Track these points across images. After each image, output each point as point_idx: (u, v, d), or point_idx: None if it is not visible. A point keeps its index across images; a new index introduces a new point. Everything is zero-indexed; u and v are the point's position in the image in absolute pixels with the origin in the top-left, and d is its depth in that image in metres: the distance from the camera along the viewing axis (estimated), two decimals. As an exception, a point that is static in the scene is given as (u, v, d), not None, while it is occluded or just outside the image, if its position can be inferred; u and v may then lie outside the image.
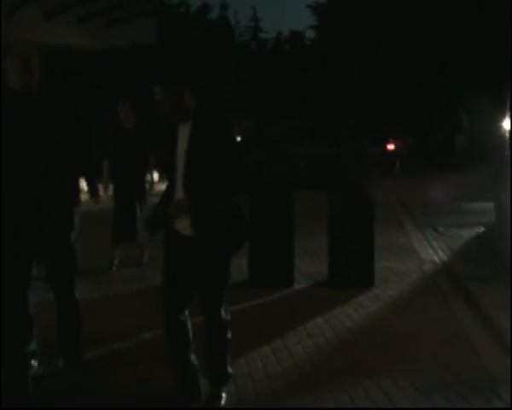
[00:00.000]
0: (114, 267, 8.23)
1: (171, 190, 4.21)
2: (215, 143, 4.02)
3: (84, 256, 5.23)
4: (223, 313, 4.25)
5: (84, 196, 4.85)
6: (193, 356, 4.25)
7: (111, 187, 8.24)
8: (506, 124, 14.95)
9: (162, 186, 4.40)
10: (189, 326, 4.26)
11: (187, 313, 4.26)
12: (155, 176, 9.97)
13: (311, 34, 46.75)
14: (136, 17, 16.06)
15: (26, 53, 4.36)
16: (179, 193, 4.10)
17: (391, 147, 20.80)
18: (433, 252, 9.22)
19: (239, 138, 27.60)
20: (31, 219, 4.23)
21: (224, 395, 4.30)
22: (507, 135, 12.27)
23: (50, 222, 4.35)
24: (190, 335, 4.26)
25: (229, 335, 4.34)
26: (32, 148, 4.19)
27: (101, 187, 6.69)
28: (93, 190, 5.09)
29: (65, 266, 4.62)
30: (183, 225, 4.10)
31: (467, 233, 10.68)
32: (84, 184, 4.98)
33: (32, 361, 4.60)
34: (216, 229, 4.08)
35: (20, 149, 4.17)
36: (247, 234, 4.33)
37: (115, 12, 15.45)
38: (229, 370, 4.39)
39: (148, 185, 8.37)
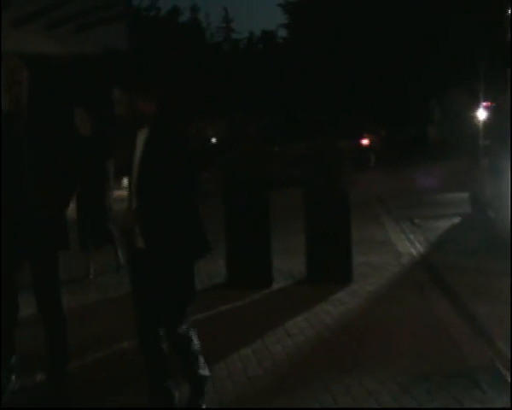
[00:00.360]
0: (91, 276, 8.15)
1: (130, 198, 4.04)
2: (169, 149, 3.87)
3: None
4: (183, 329, 4.00)
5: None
6: (169, 381, 4.12)
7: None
8: (480, 114, 15.13)
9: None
10: (164, 352, 4.08)
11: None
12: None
13: (283, 33, 46.94)
14: (106, 22, 15.98)
15: (11, 65, 4.25)
16: (134, 202, 3.95)
17: (365, 141, 20.89)
18: (411, 244, 9.26)
19: (214, 140, 27.66)
20: (20, 222, 4.18)
21: (200, 401, 4.20)
22: (480, 125, 12.40)
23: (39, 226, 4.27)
24: (166, 362, 4.10)
25: (193, 346, 4.11)
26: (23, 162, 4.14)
27: None
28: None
29: (51, 272, 4.47)
30: (136, 238, 3.94)
31: (443, 224, 10.73)
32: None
33: (12, 376, 4.55)
34: (168, 240, 3.87)
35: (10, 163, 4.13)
36: (204, 244, 4.07)
37: (85, 17, 15.36)
38: (204, 373, 4.20)
39: (110, 191, 8.29)
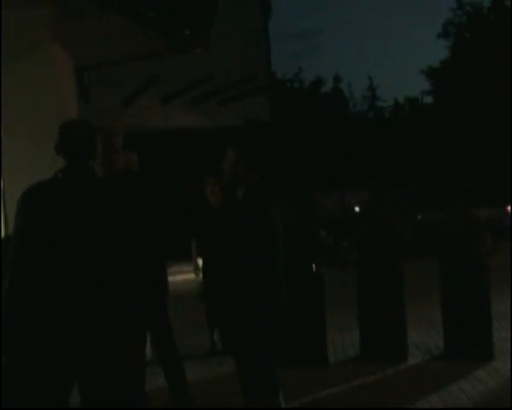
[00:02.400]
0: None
1: None
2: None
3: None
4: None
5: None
6: None
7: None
8: None
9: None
10: None
11: None
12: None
13: (428, 100, 46.31)
14: (249, 95, 16.46)
15: (110, 131, 4.33)
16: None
17: (513, 209, 19.92)
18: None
19: (357, 208, 27.49)
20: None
21: None
22: None
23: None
24: None
25: None
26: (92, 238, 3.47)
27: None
28: None
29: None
30: None
31: None
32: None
33: None
34: None
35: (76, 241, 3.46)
36: None
37: (228, 91, 15.91)
38: None
39: None
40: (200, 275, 7.52)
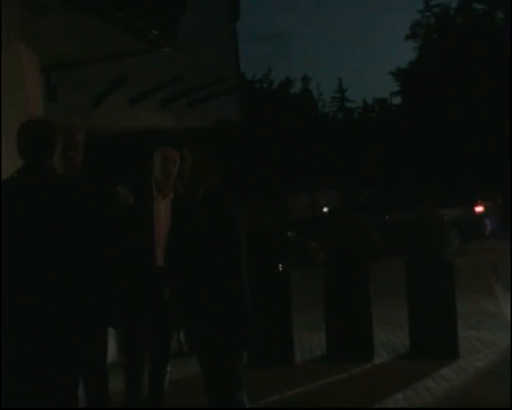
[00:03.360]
0: None
1: None
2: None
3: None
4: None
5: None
6: None
7: None
8: None
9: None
10: None
11: None
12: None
13: (396, 100, 46.73)
14: (218, 96, 16.45)
15: (70, 128, 4.24)
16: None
17: (479, 209, 20.17)
18: (526, 319, 8.72)
19: (325, 209, 27.65)
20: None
21: None
22: None
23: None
24: None
25: None
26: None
27: None
28: None
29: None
30: None
31: None
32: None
33: None
34: None
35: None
36: None
37: (198, 92, 15.87)
38: None
39: None
40: None
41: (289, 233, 8.06)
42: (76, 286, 3.44)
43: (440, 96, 32.88)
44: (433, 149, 32.95)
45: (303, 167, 35.83)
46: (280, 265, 7.16)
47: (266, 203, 8.61)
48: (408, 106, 38.66)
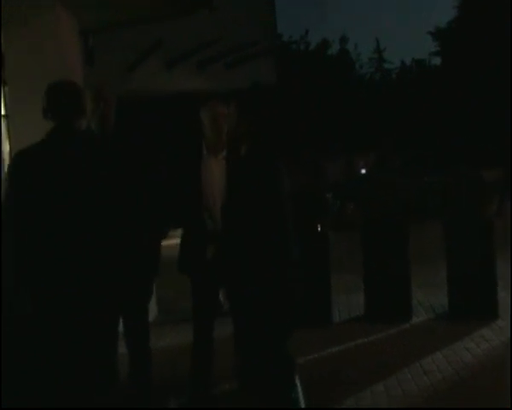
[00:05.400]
0: None
1: None
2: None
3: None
4: None
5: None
6: None
7: None
8: None
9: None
10: None
11: None
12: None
13: (436, 61, 45.93)
14: (254, 58, 16.38)
15: (97, 84, 4.24)
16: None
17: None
18: None
19: (363, 171, 27.48)
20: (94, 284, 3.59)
21: None
22: None
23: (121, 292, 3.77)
24: None
25: None
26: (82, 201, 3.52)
27: None
28: None
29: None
30: None
31: None
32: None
33: None
34: None
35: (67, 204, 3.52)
36: None
37: (233, 54, 15.83)
38: None
39: None
40: None
41: (327, 195, 8.02)
42: (122, 239, 3.53)
43: (480, 56, 32.19)
44: (474, 110, 32.36)
45: (340, 129, 35.57)
46: (318, 225, 7.17)
47: (303, 166, 8.59)
48: (447, 66, 37.94)
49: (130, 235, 3.63)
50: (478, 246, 7.00)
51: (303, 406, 4.09)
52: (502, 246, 7.36)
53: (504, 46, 30.76)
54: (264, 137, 4.10)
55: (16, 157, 3.58)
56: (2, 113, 6.99)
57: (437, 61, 44.09)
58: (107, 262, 3.55)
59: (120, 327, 4.09)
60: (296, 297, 4.03)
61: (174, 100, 16.19)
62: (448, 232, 7.22)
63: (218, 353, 4.67)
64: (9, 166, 3.60)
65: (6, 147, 6.89)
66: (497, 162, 17.82)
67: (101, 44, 11.30)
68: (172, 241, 4.84)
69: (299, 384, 4.18)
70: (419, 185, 15.47)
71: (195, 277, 4.61)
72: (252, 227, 3.90)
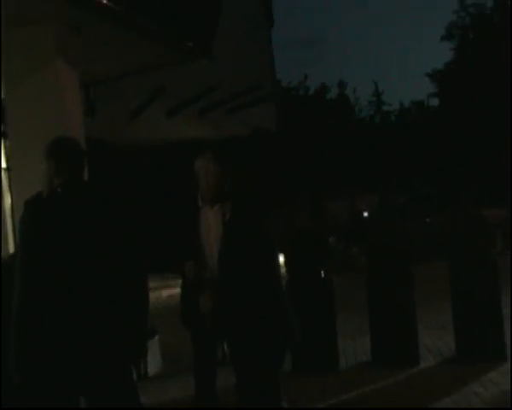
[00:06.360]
0: None
1: None
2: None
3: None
4: None
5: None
6: None
7: None
8: None
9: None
10: None
11: None
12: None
13: (434, 102, 46.22)
14: (255, 104, 16.48)
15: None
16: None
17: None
18: None
19: (366, 213, 27.45)
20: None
21: None
22: None
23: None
24: None
25: None
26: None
27: None
28: None
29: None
30: None
31: None
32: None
33: None
34: None
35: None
36: None
37: (234, 100, 15.93)
38: None
39: None
40: None
41: (330, 239, 8.00)
42: (120, 295, 3.51)
43: (478, 96, 32.43)
44: (473, 150, 32.49)
45: (341, 173, 35.66)
46: (322, 271, 7.13)
47: (305, 210, 8.57)
48: (445, 107, 38.20)
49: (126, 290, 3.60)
50: (483, 286, 6.94)
51: None
52: (507, 286, 7.27)
53: (501, 86, 31.02)
54: (261, 184, 4.10)
55: (31, 205, 3.60)
56: (3, 166, 7.01)
57: (435, 102, 44.45)
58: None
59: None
60: (294, 342, 4.01)
61: (175, 148, 16.26)
62: (453, 273, 7.17)
63: (223, 402, 4.61)
64: (24, 213, 3.60)
65: (8, 200, 6.90)
66: (498, 202, 17.79)
67: (102, 94, 11.39)
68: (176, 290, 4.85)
69: None
70: (423, 225, 15.48)
71: (196, 331, 4.64)
72: (247, 278, 3.88)
